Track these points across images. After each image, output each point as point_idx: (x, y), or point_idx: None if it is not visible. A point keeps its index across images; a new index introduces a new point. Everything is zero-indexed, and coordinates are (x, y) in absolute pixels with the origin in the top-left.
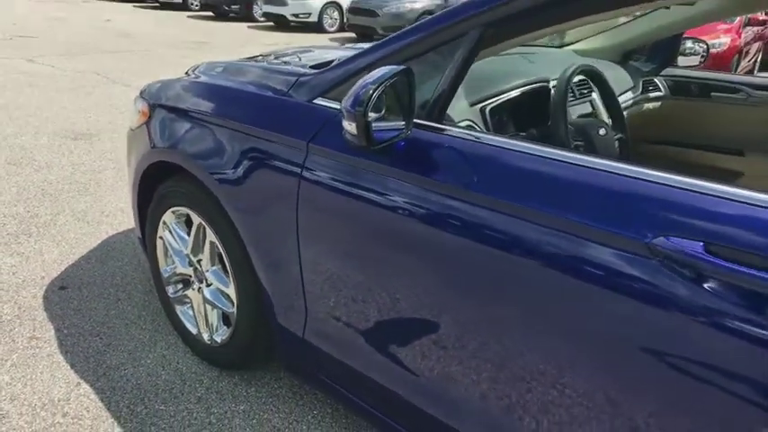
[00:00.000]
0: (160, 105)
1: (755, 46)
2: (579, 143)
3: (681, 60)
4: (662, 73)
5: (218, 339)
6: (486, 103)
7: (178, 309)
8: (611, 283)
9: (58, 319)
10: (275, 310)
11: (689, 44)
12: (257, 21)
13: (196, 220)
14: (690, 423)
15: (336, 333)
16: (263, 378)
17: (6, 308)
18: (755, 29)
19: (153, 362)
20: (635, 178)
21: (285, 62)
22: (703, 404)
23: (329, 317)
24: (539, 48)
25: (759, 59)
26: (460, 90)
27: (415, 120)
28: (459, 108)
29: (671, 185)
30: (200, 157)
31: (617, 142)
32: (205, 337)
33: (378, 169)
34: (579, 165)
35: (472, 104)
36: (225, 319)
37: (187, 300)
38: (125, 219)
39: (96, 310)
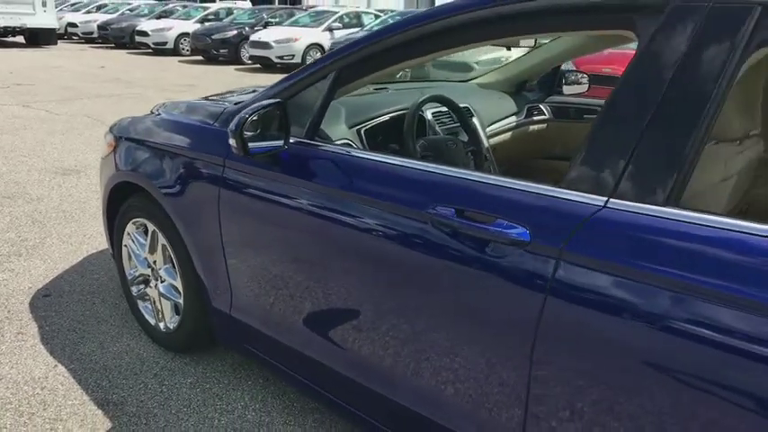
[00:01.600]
0: (125, 138)
1: None
2: (429, 154)
3: (574, 89)
4: (548, 100)
5: (171, 326)
6: (362, 126)
7: (140, 305)
8: (410, 241)
9: (41, 320)
10: (210, 294)
11: (579, 76)
12: (245, 63)
13: (151, 227)
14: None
15: (254, 308)
16: (208, 359)
17: None
18: None
19: (118, 349)
20: (427, 171)
21: (224, 100)
22: (463, 320)
23: (248, 296)
24: (445, 82)
25: None
26: (342, 115)
27: (298, 138)
28: (340, 130)
29: (442, 174)
30: (153, 176)
31: (469, 153)
32: (161, 326)
33: (270, 176)
34: (404, 166)
35: (350, 127)
36: (176, 309)
37: (147, 296)
38: (104, 241)
39: (74, 312)
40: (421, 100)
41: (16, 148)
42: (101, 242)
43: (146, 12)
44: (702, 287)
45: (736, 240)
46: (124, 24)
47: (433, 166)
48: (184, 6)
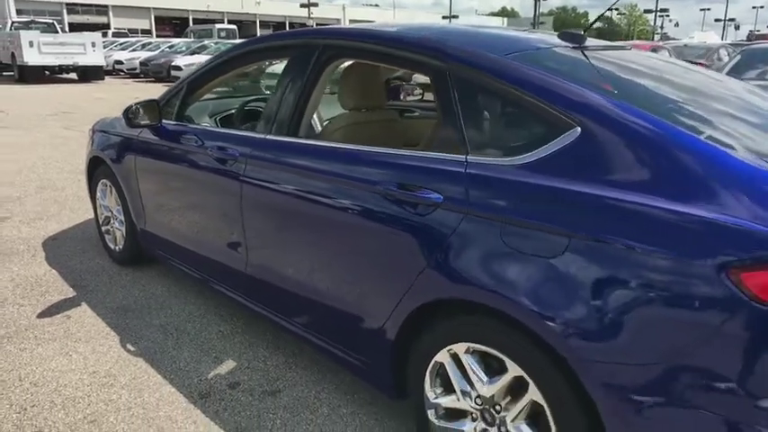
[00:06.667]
0: (98, 130)
1: None
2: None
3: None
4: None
5: (120, 247)
6: (217, 116)
7: (106, 237)
8: (213, 166)
9: (48, 250)
10: (135, 219)
11: (413, 89)
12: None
13: (108, 184)
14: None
15: (156, 222)
16: (144, 269)
17: (22, 247)
18: None
19: (91, 264)
20: (231, 135)
21: None
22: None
23: (153, 215)
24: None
25: None
26: (208, 110)
27: (171, 120)
28: (204, 119)
29: (227, 132)
30: (106, 151)
31: None
32: (116, 249)
33: (159, 140)
34: (214, 131)
35: (210, 117)
36: (123, 236)
37: (109, 231)
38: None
39: (70, 246)
40: (244, 101)
41: (53, 157)
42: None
43: (183, 49)
44: (286, 167)
45: (295, 145)
46: (162, 61)
47: (225, 131)
48: (216, 43)
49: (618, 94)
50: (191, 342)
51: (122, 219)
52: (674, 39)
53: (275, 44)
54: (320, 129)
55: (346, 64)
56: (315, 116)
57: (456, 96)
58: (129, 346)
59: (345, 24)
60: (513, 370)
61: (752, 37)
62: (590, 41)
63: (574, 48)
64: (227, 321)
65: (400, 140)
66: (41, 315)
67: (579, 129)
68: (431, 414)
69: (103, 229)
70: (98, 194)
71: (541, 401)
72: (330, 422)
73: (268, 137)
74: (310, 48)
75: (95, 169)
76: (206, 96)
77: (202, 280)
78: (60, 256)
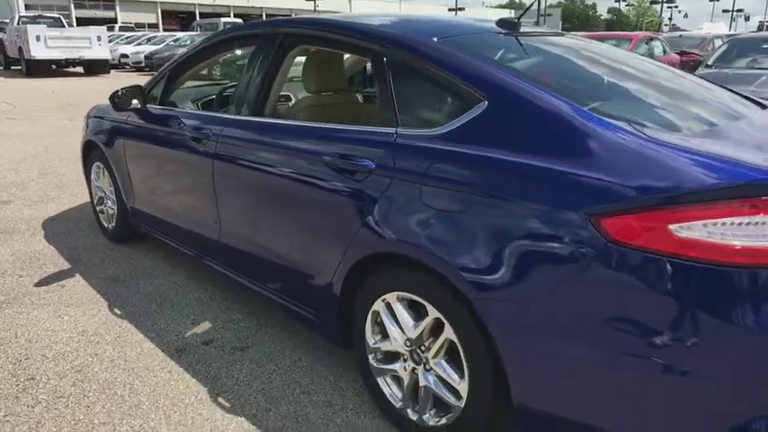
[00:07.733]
0: (91, 116)
1: None
2: None
3: None
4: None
5: (113, 225)
6: (198, 101)
7: (101, 216)
8: (193, 145)
9: (47, 229)
10: (125, 198)
11: None
12: None
13: (101, 166)
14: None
15: (143, 200)
16: (134, 246)
17: (23, 226)
18: None
19: (86, 241)
20: (200, 114)
21: None
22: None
23: (140, 194)
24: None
25: None
26: (191, 96)
27: (155, 105)
28: (188, 104)
29: (205, 115)
30: (99, 135)
31: None
32: (110, 226)
33: (144, 123)
34: (204, 115)
35: (192, 102)
36: (116, 214)
37: (103, 211)
38: None
39: (66, 226)
40: (224, 86)
41: (56, 146)
42: None
43: (188, 42)
44: (250, 143)
45: (258, 124)
46: (166, 54)
47: (204, 113)
48: None
49: (526, 71)
50: (172, 307)
51: (114, 198)
52: (683, 29)
53: (244, 33)
54: (284, 109)
55: (310, 51)
56: (279, 98)
57: (390, 77)
58: (116, 310)
59: None
60: (432, 313)
61: (762, 28)
62: (525, 28)
63: (506, 34)
64: (207, 290)
65: (355, 120)
66: (38, 284)
67: (486, 102)
68: (371, 358)
69: (98, 208)
70: (92, 176)
71: (455, 339)
72: (290, 372)
73: (236, 117)
74: (273, 36)
75: (90, 153)
76: (191, 83)
77: (185, 251)
78: (58, 234)
